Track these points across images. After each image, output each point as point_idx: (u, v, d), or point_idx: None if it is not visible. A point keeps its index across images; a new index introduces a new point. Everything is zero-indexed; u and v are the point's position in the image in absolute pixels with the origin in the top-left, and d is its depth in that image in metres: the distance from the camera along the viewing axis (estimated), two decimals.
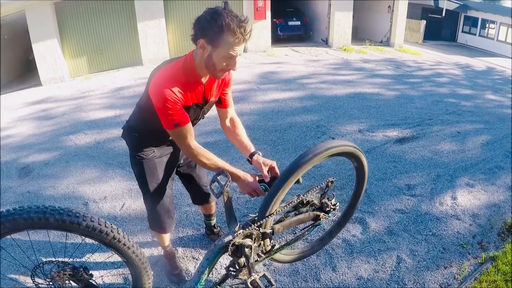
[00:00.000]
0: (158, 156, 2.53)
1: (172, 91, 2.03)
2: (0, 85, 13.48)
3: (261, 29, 15.39)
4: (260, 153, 2.47)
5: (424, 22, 22.99)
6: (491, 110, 8.11)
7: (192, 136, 2.17)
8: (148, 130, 2.40)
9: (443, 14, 23.05)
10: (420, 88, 9.63)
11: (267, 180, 2.31)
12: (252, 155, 2.45)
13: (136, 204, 4.33)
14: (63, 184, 5.13)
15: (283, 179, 2.15)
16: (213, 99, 2.36)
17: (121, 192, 4.67)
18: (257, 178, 2.27)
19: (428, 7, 24.15)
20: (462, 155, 5.46)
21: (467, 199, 4.22)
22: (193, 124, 2.33)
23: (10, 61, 16.41)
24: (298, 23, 17.84)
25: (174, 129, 2.10)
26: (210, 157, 2.22)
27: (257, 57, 14.26)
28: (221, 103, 2.52)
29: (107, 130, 7.09)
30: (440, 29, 25.65)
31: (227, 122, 2.60)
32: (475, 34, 25.56)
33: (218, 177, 2.38)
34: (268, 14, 15.41)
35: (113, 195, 4.63)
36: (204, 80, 2.20)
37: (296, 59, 13.55)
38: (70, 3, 13.65)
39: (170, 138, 2.41)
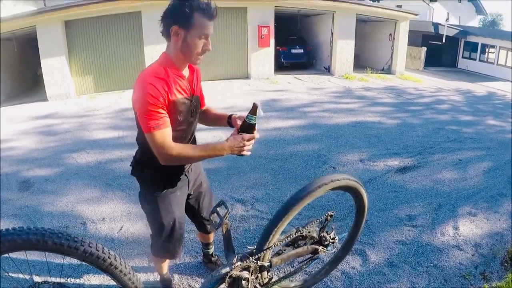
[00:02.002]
0: (172, 191, 2.44)
1: (153, 85, 2.03)
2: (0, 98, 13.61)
3: (264, 57, 15.58)
4: (237, 114, 2.51)
5: (424, 49, 23.19)
6: (492, 136, 8.13)
7: (171, 140, 2.11)
8: (157, 161, 2.28)
9: (444, 41, 23.23)
10: (421, 115, 9.67)
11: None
12: (229, 117, 2.52)
13: (134, 227, 4.31)
14: (62, 201, 5.14)
15: (282, 213, 2.17)
16: (197, 93, 2.40)
17: (120, 215, 4.66)
18: (237, 134, 2.25)
19: (428, 34, 24.35)
20: (464, 183, 5.44)
21: (469, 228, 4.19)
22: (190, 124, 2.36)
23: (19, 74, 16.81)
24: (301, 51, 18.03)
25: (154, 131, 2.04)
26: (191, 151, 2.17)
27: (261, 84, 14.38)
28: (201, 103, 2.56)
29: (109, 151, 7.12)
30: (440, 55, 25.83)
31: (204, 110, 2.67)
32: (475, 59, 25.73)
33: (218, 209, 2.41)
34: (272, 42, 15.63)
35: (112, 217, 4.62)
36: (184, 72, 2.25)
37: (299, 87, 13.65)
38: (80, 22, 13.98)
39: (183, 165, 2.43)
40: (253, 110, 2.13)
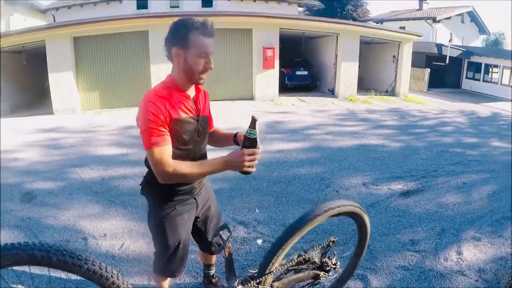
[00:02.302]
0: (179, 214, 2.46)
1: (154, 103, 2.08)
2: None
3: (269, 78, 15.76)
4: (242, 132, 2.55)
5: (428, 70, 23.22)
6: (497, 158, 8.14)
7: (169, 158, 2.12)
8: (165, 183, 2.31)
9: (447, 61, 23.26)
10: (425, 138, 9.68)
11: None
12: (235, 136, 2.58)
13: (136, 245, 4.31)
14: (64, 215, 5.17)
15: (285, 237, 2.18)
16: (205, 113, 2.43)
17: (122, 232, 4.67)
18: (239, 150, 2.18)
19: (431, 55, 24.40)
20: (468, 207, 5.42)
21: (473, 253, 4.16)
22: (197, 144, 2.37)
23: (26, 87, 17.14)
24: (306, 73, 18.22)
25: (153, 148, 2.07)
26: (188, 168, 2.13)
27: (265, 105, 14.49)
28: (209, 125, 2.62)
29: (113, 167, 7.16)
30: (444, 76, 25.83)
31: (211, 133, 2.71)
32: (479, 80, 25.73)
33: (221, 232, 2.42)
34: (277, 63, 15.82)
35: (113, 234, 4.63)
36: (189, 93, 2.28)
37: (303, 109, 13.74)
38: (89, 39, 14.28)
39: (192, 188, 2.45)
40: (252, 123, 2.10)
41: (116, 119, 12.46)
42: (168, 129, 2.13)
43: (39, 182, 6.63)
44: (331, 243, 2.49)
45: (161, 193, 2.39)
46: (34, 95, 17.73)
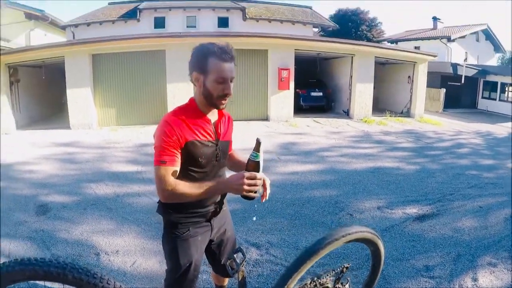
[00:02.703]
0: (193, 235, 2.46)
1: (170, 124, 2.14)
2: None
3: (284, 99, 15.86)
4: None
5: (443, 90, 23.05)
6: None
7: (173, 178, 2.14)
8: (181, 204, 2.35)
9: (462, 81, 23.09)
10: (440, 160, 9.61)
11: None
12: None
13: (148, 263, 4.33)
14: (77, 230, 5.23)
15: (299, 262, 2.18)
16: (226, 138, 2.45)
17: (134, 249, 4.69)
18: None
19: (447, 74, 24.22)
20: (485, 231, 5.33)
21: (489, 280, 4.09)
22: (214, 168, 2.38)
23: (45, 101, 17.70)
24: (321, 94, 18.28)
25: (160, 165, 2.11)
26: (187, 189, 2.14)
27: (279, 126, 14.54)
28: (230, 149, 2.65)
29: (127, 184, 7.25)
30: (459, 96, 25.57)
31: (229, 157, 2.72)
32: (495, 99, 25.34)
33: (235, 255, 2.43)
34: (292, 84, 15.94)
35: (126, 251, 4.66)
36: (210, 117, 2.31)
37: (317, 131, 13.76)
38: (107, 57, 14.63)
39: (207, 211, 2.45)
40: (257, 146, 2.09)
41: (132, 136, 12.61)
42: (180, 151, 2.17)
43: (54, 195, 6.75)
44: (344, 269, 2.49)
45: (176, 214, 2.40)
46: (52, 109, 18.22)
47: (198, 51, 2.16)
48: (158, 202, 2.49)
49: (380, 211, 6.02)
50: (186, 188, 2.12)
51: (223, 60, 2.11)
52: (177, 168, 2.17)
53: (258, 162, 2.08)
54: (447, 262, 4.44)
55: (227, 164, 2.76)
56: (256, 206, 5.91)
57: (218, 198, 2.49)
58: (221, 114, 2.39)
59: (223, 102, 2.22)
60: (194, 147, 2.21)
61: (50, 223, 5.47)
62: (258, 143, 2.08)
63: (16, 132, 14.32)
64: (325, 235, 2.21)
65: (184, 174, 2.25)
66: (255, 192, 2.08)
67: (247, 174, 2.05)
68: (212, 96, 2.17)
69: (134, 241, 4.92)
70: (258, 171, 2.08)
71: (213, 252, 2.73)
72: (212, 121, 2.32)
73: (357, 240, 2.32)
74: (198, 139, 2.23)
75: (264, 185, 2.47)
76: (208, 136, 2.28)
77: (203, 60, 2.12)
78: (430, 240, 5.02)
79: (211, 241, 2.63)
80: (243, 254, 2.43)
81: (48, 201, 6.46)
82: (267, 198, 2.48)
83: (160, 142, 2.13)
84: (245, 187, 2.03)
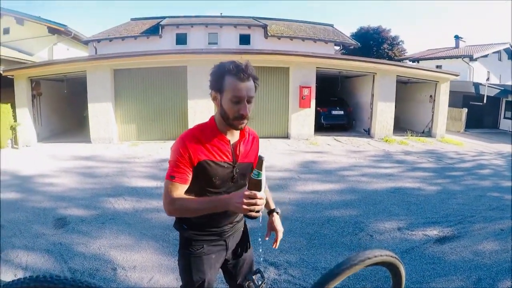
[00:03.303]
0: (206, 253, 2.43)
1: (185, 142, 2.16)
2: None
3: (305, 117, 15.87)
4: (278, 212, 2.70)
5: (465, 110, 22.78)
6: None
7: (176, 195, 2.15)
8: (195, 221, 2.37)
9: (485, 101, 22.84)
10: (462, 182, 9.53)
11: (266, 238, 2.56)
12: (269, 212, 2.68)
13: (164, 280, 4.36)
14: (95, 244, 5.30)
15: (320, 285, 2.21)
16: (247, 160, 2.38)
17: (151, 265, 4.73)
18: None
19: (468, 94, 23.97)
20: (506, 255, 5.27)
21: None
22: (230, 187, 2.33)
23: (66, 114, 18.15)
24: (342, 112, 18.25)
25: (168, 180, 2.14)
26: (188, 203, 2.13)
27: (300, 144, 14.55)
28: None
29: (146, 199, 7.35)
30: (481, 116, 25.23)
31: None
32: None
33: (254, 277, 2.45)
34: (313, 103, 15.94)
35: (143, 266, 4.70)
36: (230, 137, 2.28)
37: (338, 149, 13.74)
38: (128, 72, 14.87)
39: (222, 231, 2.44)
40: (259, 164, 1.97)
41: (152, 151, 12.75)
42: (191, 169, 2.18)
43: (72, 208, 6.87)
44: None
45: (191, 230, 2.41)
46: (73, 123, 18.58)
47: (216, 69, 2.15)
48: (176, 217, 2.51)
49: (401, 232, 5.98)
50: (187, 202, 2.12)
51: (239, 79, 2.07)
52: (186, 185, 2.18)
53: (260, 180, 1.97)
54: (467, 286, 4.41)
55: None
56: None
57: (235, 218, 2.50)
58: (242, 134, 2.35)
59: (240, 123, 2.17)
60: (207, 166, 2.20)
61: (68, 236, 5.57)
62: (260, 161, 1.98)
63: (37, 145, 14.64)
64: (345, 259, 2.23)
65: (200, 193, 2.25)
66: (257, 212, 1.98)
67: (247, 193, 1.94)
68: (228, 117, 2.14)
69: (152, 257, 4.97)
70: (259, 190, 1.97)
71: (229, 272, 2.70)
72: (232, 141, 2.29)
73: (378, 264, 2.35)
74: (213, 159, 2.22)
75: (276, 236, 2.65)
76: (224, 157, 2.26)
77: (220, 79, 2.12)
78: (451, 263, 4.98)
79: (226, 260, 2.62)
80: (262, 276, 2.41)
81: (66, 214, 6.58)
82: (277, 246, 2.66)
83: (173, 158, 2.16)
84: (244, 206, 1.93)
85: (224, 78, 2.09)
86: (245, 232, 2.74)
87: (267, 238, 2.75)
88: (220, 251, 2.51)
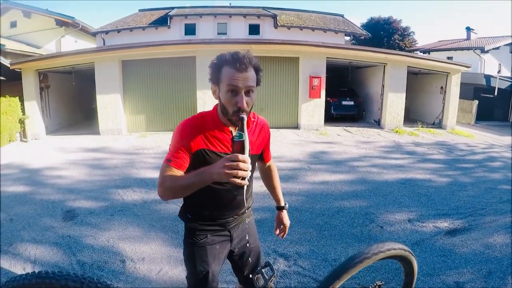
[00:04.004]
0: (210, 243, 2.41)
1: (185, 127, 2.12)
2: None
3: (314, 107, 15.85)
4: (286, 207, 2.78)
5: (476, 102, 22.60)
6: None
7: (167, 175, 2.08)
8: (199, 206, 2.36)
9: (495, 93, 22.66)
10: (472, 174, 9.46)
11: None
12: (278, 208, 2.77)
13: (173, 271, 4.37)
14: (104, 236, 5.33)
15: (333, 278, 2.20)
16: (251, 152, 2.16)
17: (160, 257, 4.74)
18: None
19: (479, 86, 23.79)
20: None
21: None
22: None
23: (74, 106, 18.32)
24: (352, 103, 18.21)
25: (165, 163, 2.08)
26: (173, 183, 2.01)
27: (310, 135, 14.55)
28: (263, 160, 2.65)
29: (155, 191, 7.22)
30: (492, 108, 25.04)
31: (264, 168, 2.77)
32: None
33: (263, 270, 2.44)
34: (323, 93, 15.91)
35: (152, 258, 4.71)
36: (232, 127, 2.19)
37: (348, 140, 13.71)
38: (137, 63, 14.89)
39: (226, 221, 2.42)
40: (240, 126, 1.83)
41: (161, 142, 12.81)
42: (188, 156, 2.11)
43: (81, 200, 6.91)
44: (377, 287, 2.50)
45: (194, 220, 2.41)
46: (82, 115, 18.72)
47: (214, 61, 2.08)
48: (181, 207, 2.50)
49: (411, 224, 5.96)
50: (176, 180, 2.02)
51: (235, 69, 1.97)
52: (181, 171, 2.10)
53: (242, 141, 1.80)
54: (477, 278, 4.39)
55: (263, 180, 2.82)
56: None
57: (240, 210, 2.46)
58: (247, 124, 2.12)
59: (237, 116, 2.01)
60: (206, 156, 2.14)
61: (77, 228, 5.61)
62: (241, 122, 1.83)
63: (45, 137, 14.76)
64: (358, 252, 2.22)
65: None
66: (243, 179, 1.77)
67: (227, 157, 1.78)
68: (227, 112, 2.06)
69: (161, 249, 4.98)
70: (243, 153, 1.79)
71: (236, 263, 2.69)
72: (234, 132, 2.19)
73: (391, 257, 2.34)
74: (212, 149, 2.15)
75: (284, 228, 2.74)
76: (225, 148, 2.18)
77: (218, 71, 2.05)
78: (461, 255, 4.95)
79: (232, 252, 2.58)
80: (271, 269, 2.38)
81: (75, 206, 6.62)
82: (284, 237, 2.78)
83: (172, 142, 2.13)
84: (226, 170, 1.74)
85: (222, 69, 2.03)
86: (251, 223, 2.70)
87: (277, 232, 2.82)
88: (224, 242, 2.49)
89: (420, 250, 5.07)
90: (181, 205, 2.47)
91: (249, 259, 2.66)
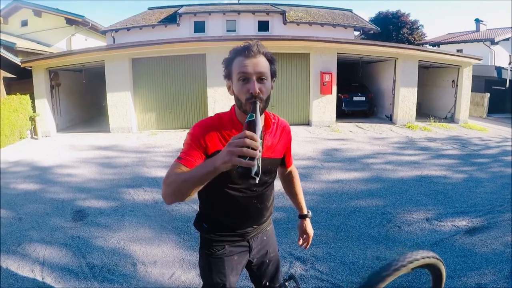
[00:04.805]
0: (228, 254, 2.32)
1: (199, 128, 2.04)
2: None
3: (326, 104, 15.76)
4: (309, 216, 2.71)
5: (488, 95, 22.33)
6: None
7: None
8: (216, 214, 2.28)
9: (507, 85, 22.40)
10: (488, 169, 9.35)
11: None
12: (301, 217, 2.70)
13: (186, 276, 4.30)
14: (114, 237, 5.30)
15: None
16: (273, 155, 2.21)
17: (173, 260, 4.68)
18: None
19: (491, 78, 23.52)
20: None
21: None
22: (252, 184, 2.14)
23: (85, 104, 18.44)
24: (363, 98, 18.08)
25: (175, 161, 1.98)
26: (177, 177, 1.86)
27: (321, 132, 14.47)
28: (284, 165, 2.58)
29: None
30: (504, 101, 24.71)
31: (285, 174, 2.71)
32: None
33: (287, 283, 2.40)
34: (334, 89, 15.79)
35: (164, 261, 4.65)
36: None
37: (360, 136, 13.65)
38: (147, 61, 14.94)
39: (245, 232, 2.33)
40: (253, 108, 1.76)
41: (172, 140, 12.79)
42: (200, 157, 2.00)
43: (91, 200, 6.91)
44: None
45: (211, 230, 2.31)
46: (92, 113, 18.86)
47: (225, 58, 2.05)
48: (196, 215, 2.42)
49: (429, 223, 5.88)
50: (180, 175, 1.86)
51: (244, 56, 1.92)
52: (189, 168, 1.95)
53: (253, 121, 1.65)
54: (500, 280, 4.31)
55: (283, 186, 2.75)
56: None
57: (260, 219, 2.37)
58: (268, 125, 2.16)
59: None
60: None
61: (87, 229, 5.59)
62: (254, 104, 1.78)
63: (56, 135, 14.84)
64: (391, 260, 2.18)
65: (220, 190, 2.15)
66: (252, 159, 1.51)
67: (235, 136, 1.59)
68: (241, 103, 1.96)
69: (173, 251, 4.92)
70: (254, 132, 1.59)
71: (254, 273, 2.60)
72: None
73: (422, 266, 2.29)
74: None
75: (308, 238, 2.68)
76: None
77: (229, 65, 2.01)
78: (482, 255, 4.87)
79: (250, 262, 2.49)
80: (296, 282, 2.33)
81: (85, 206, 6.61)
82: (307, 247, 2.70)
83: (187, 142, 2.05)
84: (229, 148, 1.55)
85: (233, 61, 1.98)
86: (271, 231, 2.62)
87: (300, 243, 2.74)
88: (243, 253, 2.41)
89: (440, 251, 4.98)
90: (195, 208, 2.41)
91: (268, 268, 2.59)
